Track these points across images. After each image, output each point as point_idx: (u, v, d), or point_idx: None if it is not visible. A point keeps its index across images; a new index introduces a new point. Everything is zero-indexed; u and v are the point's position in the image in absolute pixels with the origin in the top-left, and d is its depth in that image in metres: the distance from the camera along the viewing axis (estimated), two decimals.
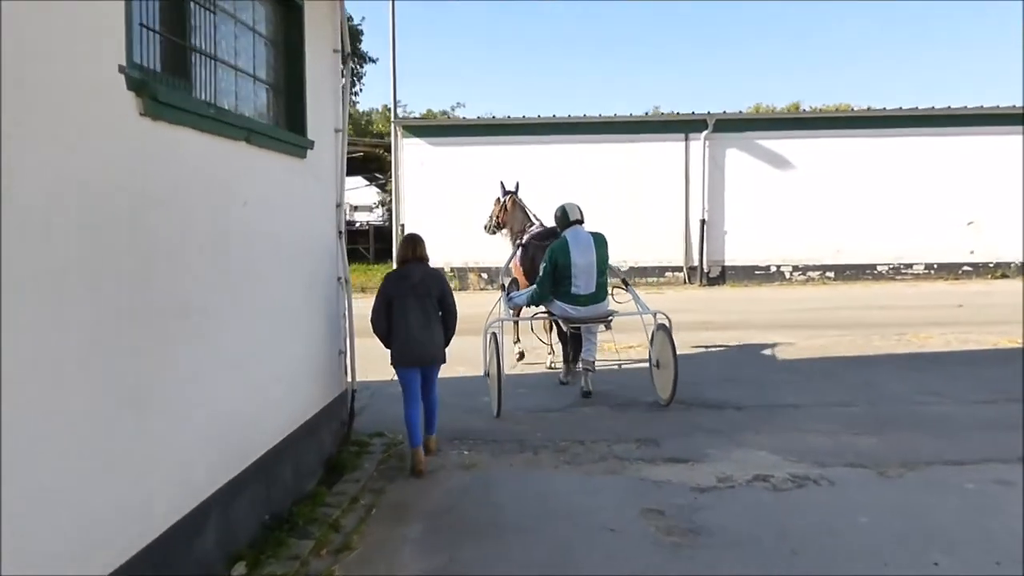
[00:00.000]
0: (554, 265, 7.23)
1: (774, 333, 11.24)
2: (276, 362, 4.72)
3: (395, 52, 19.90)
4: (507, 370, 8.07)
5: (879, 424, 6.38)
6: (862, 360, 9.22)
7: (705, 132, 18.78)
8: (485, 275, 19.17)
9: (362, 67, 38.10)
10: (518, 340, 9.51)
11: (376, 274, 20.13)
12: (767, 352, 9.90)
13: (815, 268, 19.20)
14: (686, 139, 18.92)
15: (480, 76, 79.29)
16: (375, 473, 5.63)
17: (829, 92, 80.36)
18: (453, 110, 36.54)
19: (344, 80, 6.13)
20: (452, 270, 19.11)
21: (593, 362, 7.68)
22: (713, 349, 10.21)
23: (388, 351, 5.71)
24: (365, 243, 26.15)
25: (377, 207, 36.52)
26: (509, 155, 18.92)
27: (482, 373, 7.45)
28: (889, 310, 13.67)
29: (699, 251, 19.05)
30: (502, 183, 9.72)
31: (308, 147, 5.24)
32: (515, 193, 9.46)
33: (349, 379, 6.21)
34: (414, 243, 5.80)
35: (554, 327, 8.55)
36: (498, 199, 9.69)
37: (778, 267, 19.26)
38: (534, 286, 7.59)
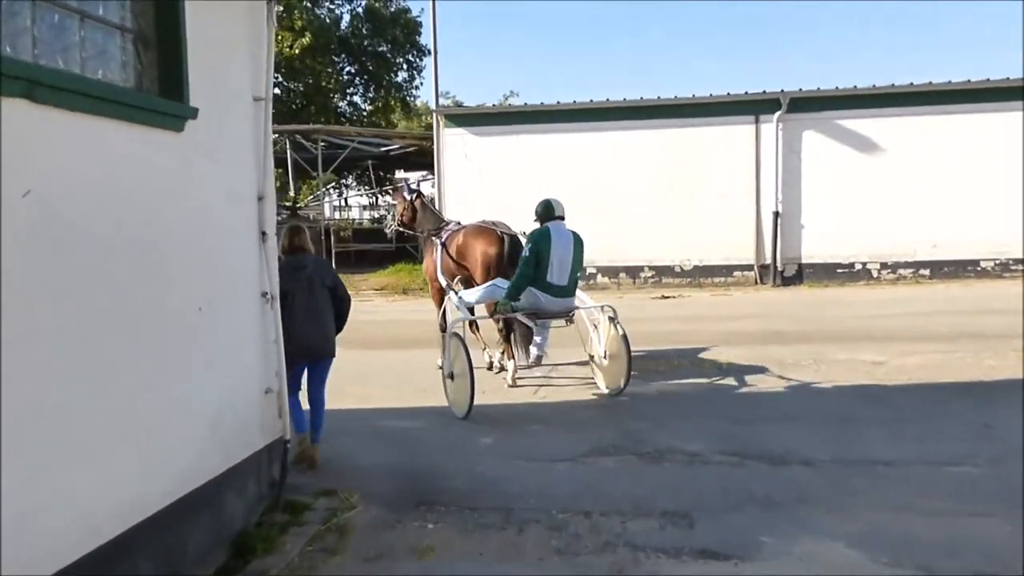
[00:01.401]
0: (536, 253, 7.07)
1: (859, 347, 9.31)
2: (120, 415, 3.28)
3: (436, 35, 18.57)
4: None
5: (1013, 496, 4.54)
6: (975, 388, 7.26)
7: (778, 113, 16.68)
8: None
9: (421, 60, 37.18)
10: (486, 347, 8.76)
11: (421, 275, 18.81)
12: (849, 375, 8.02)
13: (907, 265, 16.88)
14: (756, 121, 16.87)
15: (535, 65, 77.83)
16: (297, 559, 4.14)
17: (919, 70, 75.17)
18: (506, 99, 34.97)
19: (269, 31, 4.65)
20: None
21: (541, 356, 7.56)
22: (779, 369, 8.38)
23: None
24: (414, 242, 24.80)
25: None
26: (558, 144, 17.31)
27: (444, 374, 7.04)
28: (999, 315, 11.43)
29: (772, 247, 16.98)
30: (407, 183, 9.81)
31: (187, 116, 3.78)
32: (421, 194, 9.52)
33: (286, 422, 4.76)
34: (299, 233, 5.57)
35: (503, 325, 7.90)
36: (403, 197, 9.53)
37: (864, 264, 17.02)
38: (514, 278, 7.22)
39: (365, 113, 36.14)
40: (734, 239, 17.01)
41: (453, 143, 17.69)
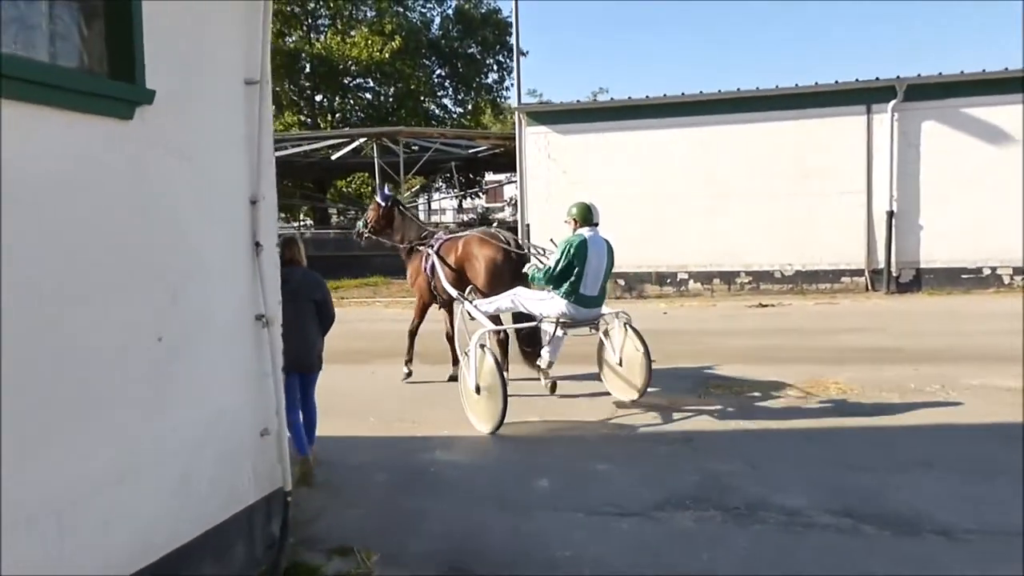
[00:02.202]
0: (570, 261, 6.65)
1: (994, 369, 7.89)
2: (31, 487, 2.55)
3: (518, 24, 17.76)
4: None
5: None
6: None
7: (893, 102, 15.00)
8: (622, 281, 16.51)
9: (511, 61, 36.48)
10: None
11: None
12: (987, 406, 6.69)
13: None
14: (868, 111, 15.22)
15: (626, 62, 76.10)
16: None
17: None
18: (595, 97, 33.85)
19: (266, 2, 3.88)
20: None
21: (552, 363, 7.23)
22: (899, 396, 7.10)
23: None
24: None
25: (507, 206, 34.62)
26: (646, 141, 16.17)
27: (470, 387, 6.53)
28: None
29: (885, 250, 15.30)
30: (383, 189, 9.46)
31: (139, 101, 3.03)
32: (398, 202, 9.23)
33: (286, 469, 3.98)
34: (292, 245, 5.44)
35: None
36: (377, 204, 9.15)
37: (993, 269, 15.14)
38: (545, 272, 6.80)
39: (455, 115, 35.78)
40: (842, 241, 15.43)
41: (535, 142, 16.80)
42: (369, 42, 29.46)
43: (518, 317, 7.40)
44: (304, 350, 5.29)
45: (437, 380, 8.46)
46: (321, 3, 31.88)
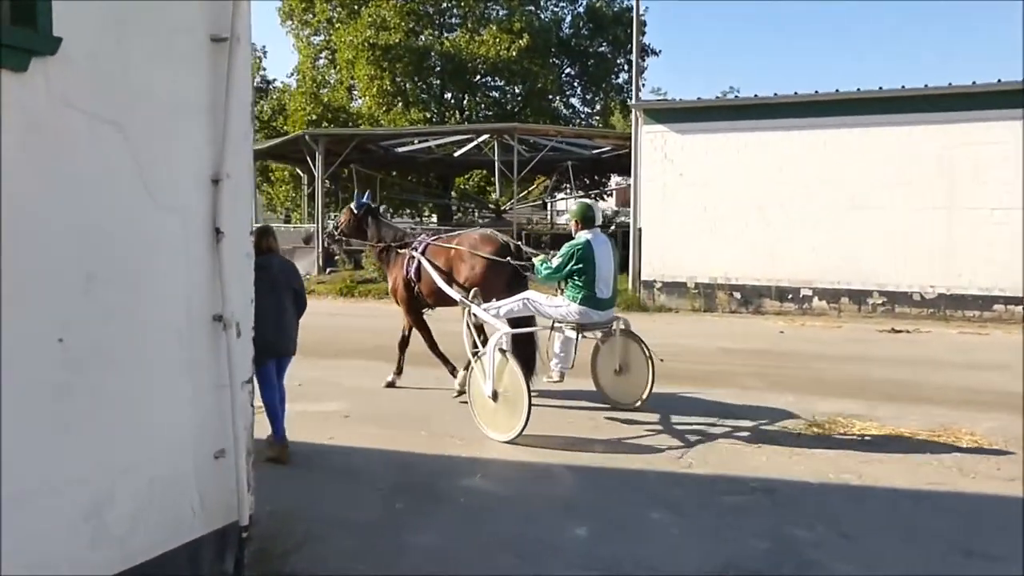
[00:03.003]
0: (572, 260, 6.46)
1: None
2: None
3: (638, 11, 16.78)
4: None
5: None
6: None
7: None
8: (738, 294, 15.26)
9: (644, 60, 35.32)
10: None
11: None
12: None
13: None
14: None
15: (759, 60, 72.55)
16: None
17: None
18: (724, 96, 32.15)
19: None
20: (696, 287, 15.45)
21: (565, 373, 6.96)
22: None
23: None
24: None
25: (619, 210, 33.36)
26: (773, 143, 14.81)
27: (486, 393, 6.24)
28: None
29: None
30: (360, 197, 9.00)
31: (38, 51, 2.50)
32: (372, 209, 8.84)
33: (242, 500, 3.37)
34: (267, 235, 5.68)
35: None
36: (350, 210, 8.81)
37: None
38: (554, 270, 6.58)
39: (583, 115, 34.99)
40: (997, 263, 13.50)
41: (651, 141, 15.76)
42: (497, 40, 29.15)
43: (515, 323, 6.86)
44: (284, 336, 5.57)
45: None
46: (453, 2, 31.92)
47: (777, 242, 14.73)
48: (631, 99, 35.50)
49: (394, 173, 32.28)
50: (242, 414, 3.32)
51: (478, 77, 32.12)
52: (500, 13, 31.78)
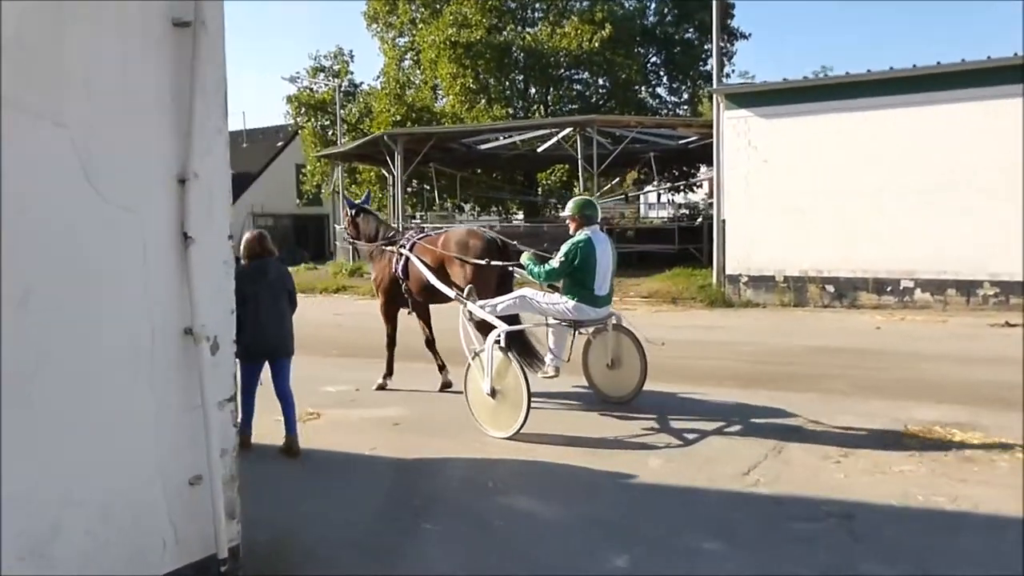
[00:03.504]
0: (573, 259, 6.46)
1: None
2: None
3: None
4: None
5: None
6: None
7: None
8: (831, 288, 14.26)
9: (732, 45, 33.97)
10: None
11: (698, 281, 16.38)
12: None
13: None
14: None
15: (852, 41, 68.81)
16: None
17: None
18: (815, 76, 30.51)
19: None
20: (785, 280, 14.53)
21: (559, 368, 7.00)
22: None
23: None
24: (698, 242, 22.21)
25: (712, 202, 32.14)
26: (866, 124, 13.71)
27: (485, 390, 6.23)
28: None
29: None
30: (346, 198, 9.79)
31: None
32: (364, 208, 8.95)
33: (220, 530, 3.06)
34: (262, 239, 5.85)
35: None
36: (346, 212, 9.13)
37: None
38: (550, 267, 6.61)
39: (669, 105, 33.96)
40: None
41: (734, 127, 14.90)
42: (579, 32, 28.58)
43: (509, 319, 6.86)
44: (282, 337, 5.78)
45: (583, 404, 7.34)
46: None
47: (873, 230, 13.64)
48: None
49: (479, 171, 32.18)
50: (221, 436, 3.01)
51: (561, 71, 31.61)
52: (582, 4, 31.14)
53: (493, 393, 6.20)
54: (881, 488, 4.79)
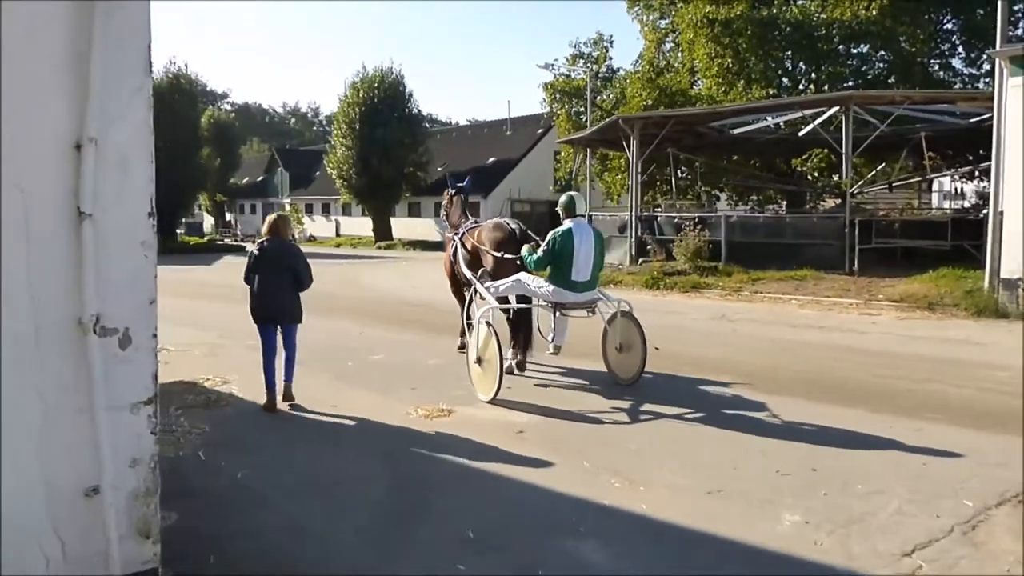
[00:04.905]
0: (553, 247, 7.31)
1: None
2: None
3: None
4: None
5: None
6: None
7: None
8: None
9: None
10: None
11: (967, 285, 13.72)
12: None
13: None
14: None
15: None
16: None
17: None
18: None
19: None
20: None
21: (560, 346, 7.81)
22: None
23: None
24: (976, 239, 18.74)
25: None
26: None
27: (471, 360, 7.27)
28: None
29: None
30: (455, 180, 9.99)
31: None
32: (461, 190, 9.71)
33: (111, 550, 2.67)
34: (273, 224, 6.90)
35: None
36: (447, 193, 9.88)
37: None
38: (535, 256, 7.54)
39: (966, 78, 29.27)
40: None
41: (1017, 96, 12.17)
42: (846, 1, 25.56)
43: (521, 300, 7.95)
44: (279, 308, 6.79)
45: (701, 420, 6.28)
46: None
47: None
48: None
49: (735, 157, 30.18)
50: (128, 443, 2.61)
51: (832, 45, 28.49)
52: None
53: (479, 361, 7.14)
54: None
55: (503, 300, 7.96)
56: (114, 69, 2.54)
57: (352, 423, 6.45)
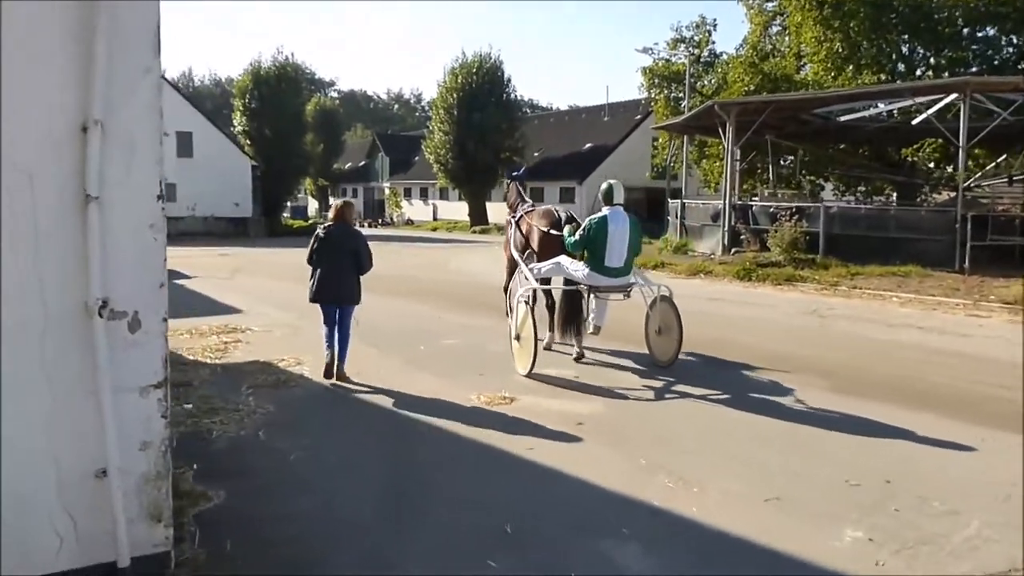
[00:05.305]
0: (588, 233, 7.69)
1: None
2: None
3: None
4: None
5: None
6: None
7: None
8: None
9: None
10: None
11: None
12: None
13: None
14: None
15: None
16: None
17: None
18: None
19: None
20: None
21: (600, 327, 8.27)
22: None
23: None
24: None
25: None
26: None
27: (512, 336, 7.75)
28: None
29: None
30: (511, 169, 11.35)
31: None
32: (516, 178, 10.29)
33: (120, 532, 2.67)
34: (339, 210, 7.34)
35: (548, 299, 8.90)
36: (505, 181, 10.79)
37: None
38: (572, 240, 7.92)
39: None
40: None
41: None
42: None
43: (567, 282, 8.24)
44: (339, 289, 7.09)
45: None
46: None
47: None
48: None
49: (842, 146, 28.77)
50: (137, 426, 2.61)
51: (955, 28, 26.61)
52: None
53: (517, 338, 7.66)
54: None
55: (545, 282, 8.53)
56: (120, 50, 2.52)
57: (413, 408, 6.43)
